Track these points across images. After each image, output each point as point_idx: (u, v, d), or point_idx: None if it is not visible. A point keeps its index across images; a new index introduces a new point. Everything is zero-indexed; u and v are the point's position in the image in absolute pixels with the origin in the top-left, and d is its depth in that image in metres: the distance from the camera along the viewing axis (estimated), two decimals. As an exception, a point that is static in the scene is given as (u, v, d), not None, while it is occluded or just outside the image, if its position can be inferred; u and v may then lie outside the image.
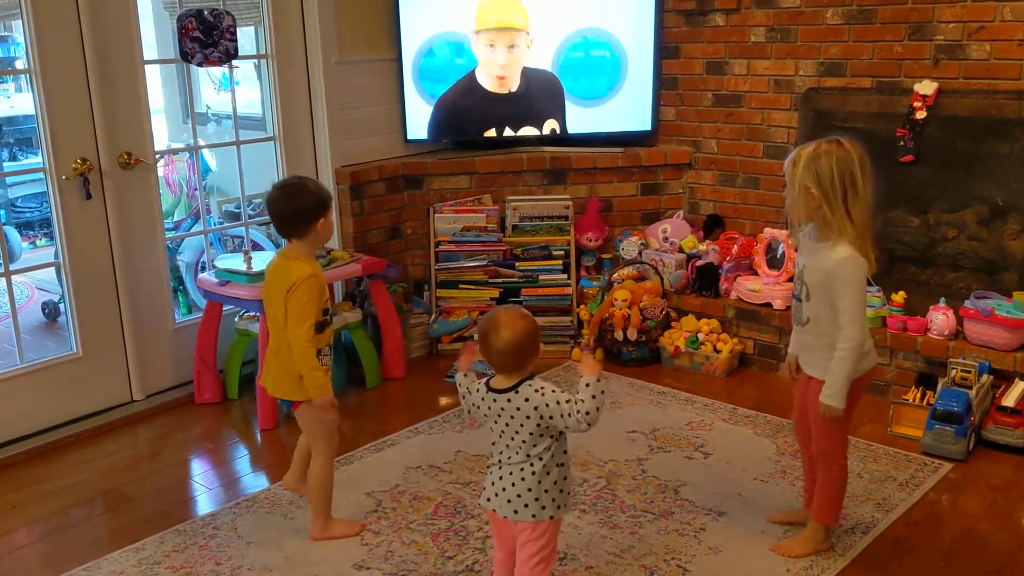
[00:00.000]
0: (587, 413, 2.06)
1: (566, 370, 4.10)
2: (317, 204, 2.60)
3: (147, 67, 3.67)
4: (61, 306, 3.97)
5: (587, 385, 2.09)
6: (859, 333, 2.34)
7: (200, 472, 3.32)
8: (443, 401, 3.81)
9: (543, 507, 2.13)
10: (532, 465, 2.12)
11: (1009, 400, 3.23)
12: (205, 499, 3.11)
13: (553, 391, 2.10)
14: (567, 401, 2.08)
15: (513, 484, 2.13)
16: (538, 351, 2.14)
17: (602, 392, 2.09)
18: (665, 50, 4.55)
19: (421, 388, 3.98)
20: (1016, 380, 3.34)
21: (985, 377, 3.33)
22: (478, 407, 2.18)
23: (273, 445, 3.49)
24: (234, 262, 3.71)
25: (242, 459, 3.41)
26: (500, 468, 2.17)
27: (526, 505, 2.12)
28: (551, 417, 2.08)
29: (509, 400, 2.10)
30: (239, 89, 4.31)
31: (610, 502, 2.95)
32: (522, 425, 2.10)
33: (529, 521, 2.13)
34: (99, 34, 3.46)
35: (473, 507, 2.91)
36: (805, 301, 2.45)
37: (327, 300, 2.66)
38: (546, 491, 2.13)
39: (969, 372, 3.30)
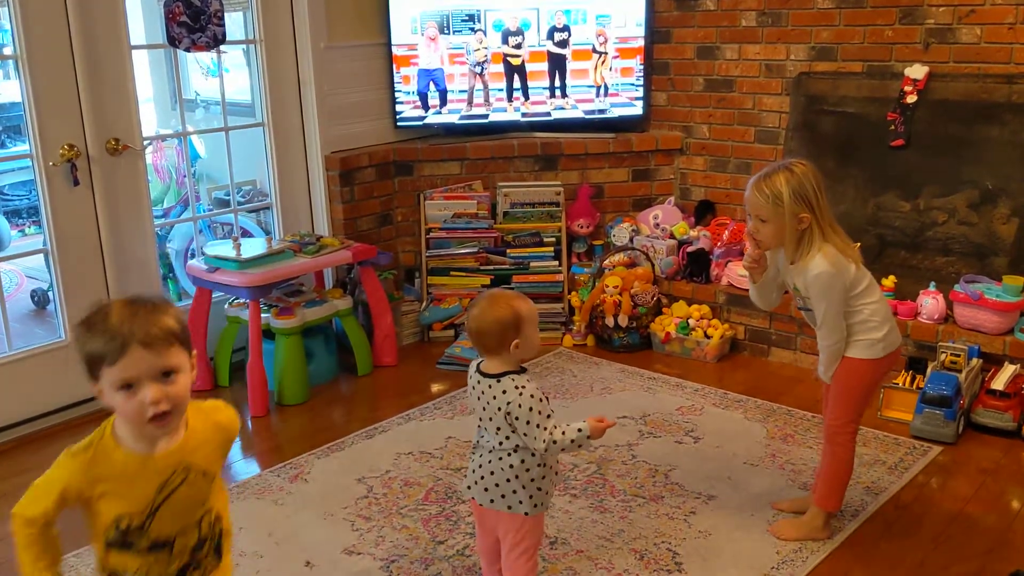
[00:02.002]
0: (555, 442, 2.03)
1: (557, 356, 4.10)
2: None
3: (135, 52, 3.64)
4: (50, 294, 3.96)
5: (579, 430, 2.05)
6: (831, 334, 2.48)
7: (190, 459, 3.31)
8: (434, 388, 3.81)
9: (520, 501, 2.10)
10: (509, 456, 2.08)
11: (998, 383, 3.24)
12: (195, 486, 3.10)
13: (533, 396, 2.03)
14: (543, 415, 2.02)
15: (492, 473, 2.11)
16: (519, 333, 2.04)
17: (579, 447, 2.07)
18: (656, 35, 4.54)
19: (412, 375, 3.97)
20: (1005, 363, 3.35)
21: (974, 361, 3.34)
22: (468, 385, 2.16)
23: (264, 432, 3.48)
24: (223, 249, 3.69)
25: (233, 446, 3.39)
26: (480, 455, 2.15)
27: (503, 496, 2.10)
28: (516, 419, 2.03)
29: (490, 386, 2.07)
30: (229, 75, 4.28)
31: (600, 487, 2.95)
32: (496, 413, 2.07)
33: (505, 512, 2.11)
34: (86, 19, 3.44)
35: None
36: (814, 310, 2.51)
37: (121, 519, 1.61)
38: (523, 487, 2.09)
39: (959, 356, 3.31)
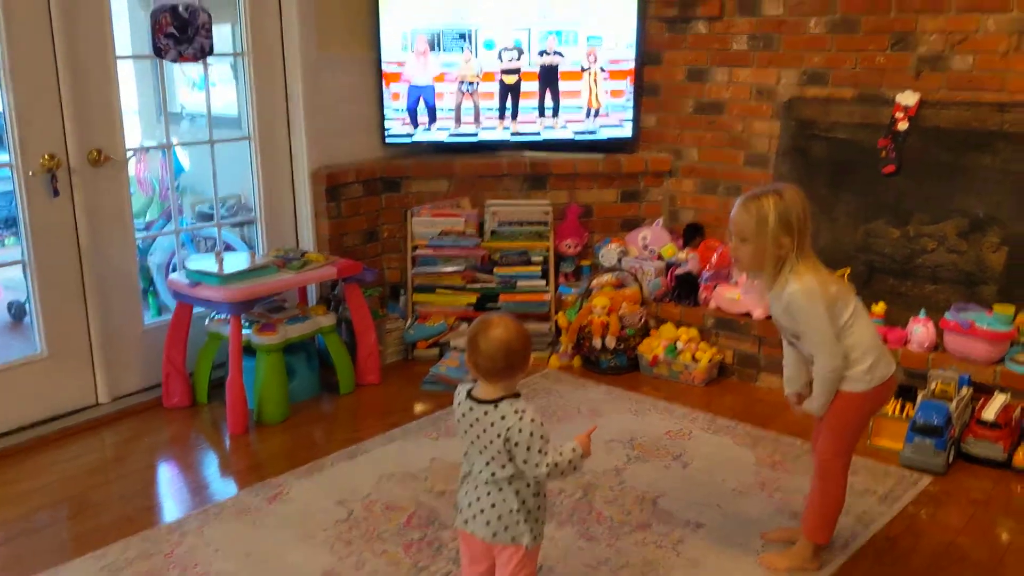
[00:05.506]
0: (555, 465, 1.99)
1: (544, 377, 4.05)
2: None
3: (120, 63, 3.59)
4: (28, 306, 3.88)
5: (573, 450, 2.02)
6: (829, 360, 2.41)
7: (167, 478, 3.24)
8: (418, 407, 3.75)
9: (522, 533, 2.05)
10: (508, 486, 2.03)
11: (989, 413, 3.21)
12: (172, 505, 3.03)
13: (533, 421, 1.98)
14: (544, 440, 1.98)
15: (493, 505, 2.05)
16: (528, 361, 2.05)
17: (575, 469, 2.03)
18: (647, 57, 4.52)
19: (396, 394, 3.91)
20: (996, 393, 3.32)
21: (965, 390, 3.31)
22: (455, 412, 2.10)
23: (242, 451, 3.41)
24: (205, 263, 3.63)
25: (210, 465, 3.33)
26: (476, 488, 2.08)
27: (506, 528, 2.04)
28: (516, 444, 1.97)
29: (486, 413, 2.01)
30: (216, 89, 4.23)
31: (587, 513, 2.89)
32: (491, 442, 2.01)
33: (509, 545, 2.06)
34: (71, 28, 3.38)
35: (448, 517, 2.84)
36: (798, 342, 2.48)
37: None
38: (525, 519, 2.05)
39: (949, 385, 3.28)
